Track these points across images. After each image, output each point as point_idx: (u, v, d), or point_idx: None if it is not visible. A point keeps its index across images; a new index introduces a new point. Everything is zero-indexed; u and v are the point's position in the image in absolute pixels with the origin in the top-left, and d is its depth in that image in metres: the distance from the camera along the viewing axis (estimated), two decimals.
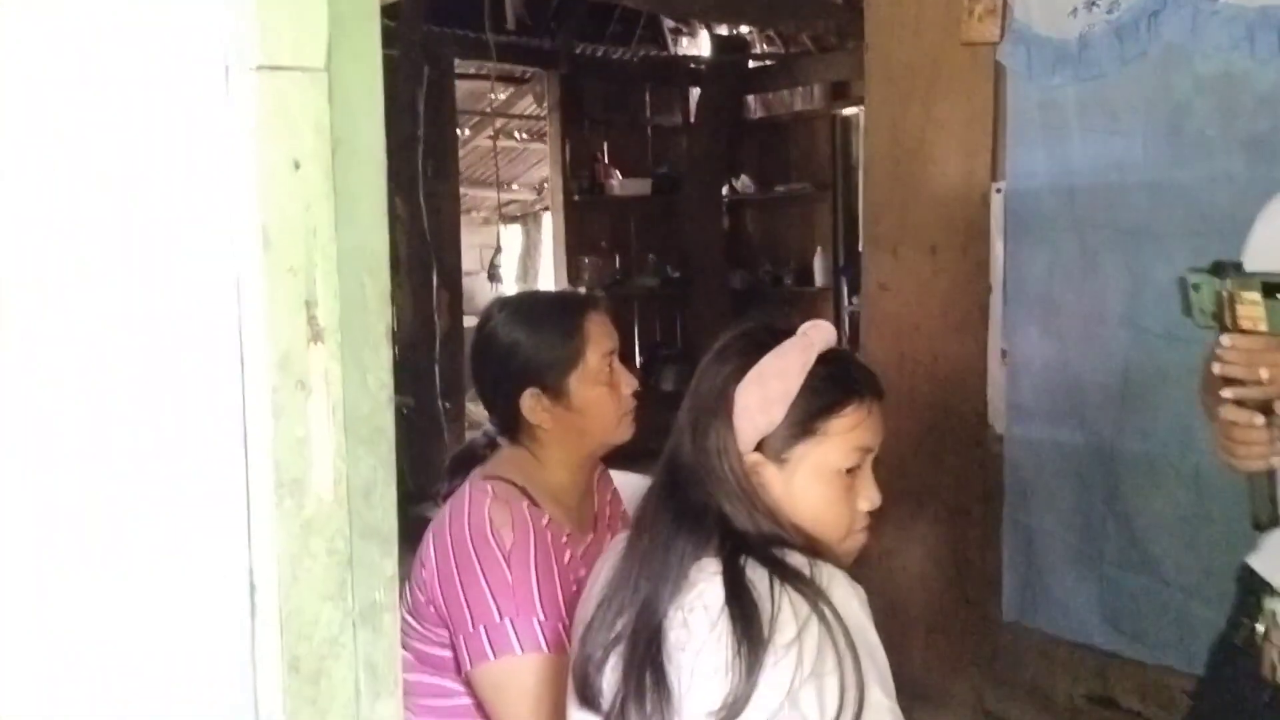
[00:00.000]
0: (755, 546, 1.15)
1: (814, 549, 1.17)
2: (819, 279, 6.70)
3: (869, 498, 1.24)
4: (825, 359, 1.22)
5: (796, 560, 1.14)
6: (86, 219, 0.73)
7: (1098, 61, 2.75)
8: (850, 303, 6.36)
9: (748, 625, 1.09)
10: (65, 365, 0.73)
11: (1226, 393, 1.44)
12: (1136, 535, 2.78)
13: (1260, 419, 1.42)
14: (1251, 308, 1.38)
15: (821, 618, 1.09)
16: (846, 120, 6.75)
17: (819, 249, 6.74)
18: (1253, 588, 1.64)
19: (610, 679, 1.16)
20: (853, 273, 6.12)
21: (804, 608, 1.09)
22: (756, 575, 1.12)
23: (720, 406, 1.20)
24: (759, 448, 1.21)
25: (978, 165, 3.07)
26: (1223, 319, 1.42)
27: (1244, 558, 1.68)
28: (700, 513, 1.18)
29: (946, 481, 3.19)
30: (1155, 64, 2.65)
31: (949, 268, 3.15)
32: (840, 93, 6.70)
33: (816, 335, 1.23)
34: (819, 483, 1.22)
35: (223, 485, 0.76)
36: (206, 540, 0.77)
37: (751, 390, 1.20)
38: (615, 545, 1.28)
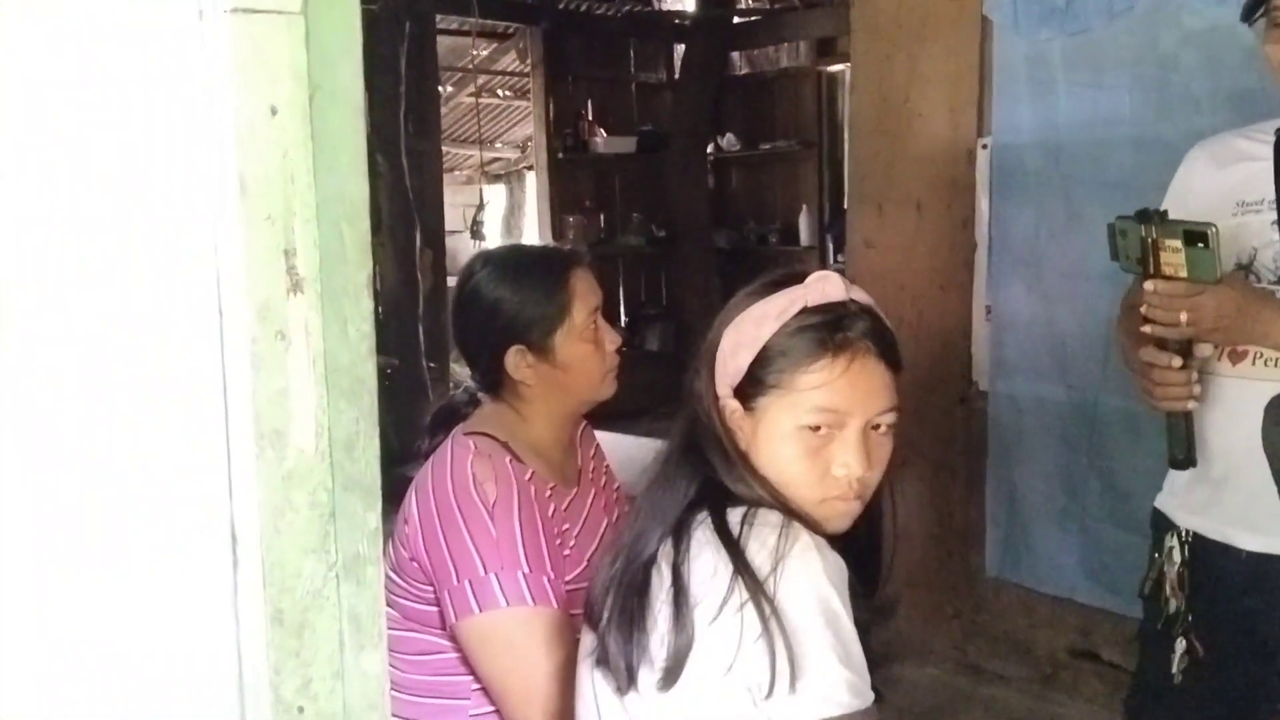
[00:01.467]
0: (728, 501, 1.15)
1: (789, 509, 1.15)
2: (804, 237, 6.69)
3: (844, 464, 1.17)
4: (816, 311, 1.18)
5: (770, 520, 1.13)
6: (60, 168, 0.71)
7: (1085, 15, 2.74)
8: (835, 261, 6.35)
9: (680, 583, 1.11)
10: (42, 317, 0.72)
11: (1146, 329, 1.51)
12: (1119, 490, 2.80)
13: (1178, 361, 1.51)
14: (1173, 254, 1.44)
15: (753, 593, 1.08)
16: (832, 77, 6.71)
17: (804, 207, 6.72)
18: (1159, 526, 1.73)
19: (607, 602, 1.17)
20: (838, 231, 6.12)
21: (767, 568, 1.09)
22: (713, 533, 1.13)
23: (708, 348, 1.20)
24: (738, 394, 1.20)
25: (964, 121, 3.05)
26: (1147, 265, 1.48)
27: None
28: (697, 458, 1.18)
29: (930, 437, 3.20)
30: (1142, 18, 2.64)
31: (934, 224, 3.14)
32: (826, 49, 6.66)
33: (815, 287, 1.19)
34: (779, 438, 1.18)
35: (203, 437, 0.75)
36: (187, 493, 0.76)
37: (730, 334, 1.19)
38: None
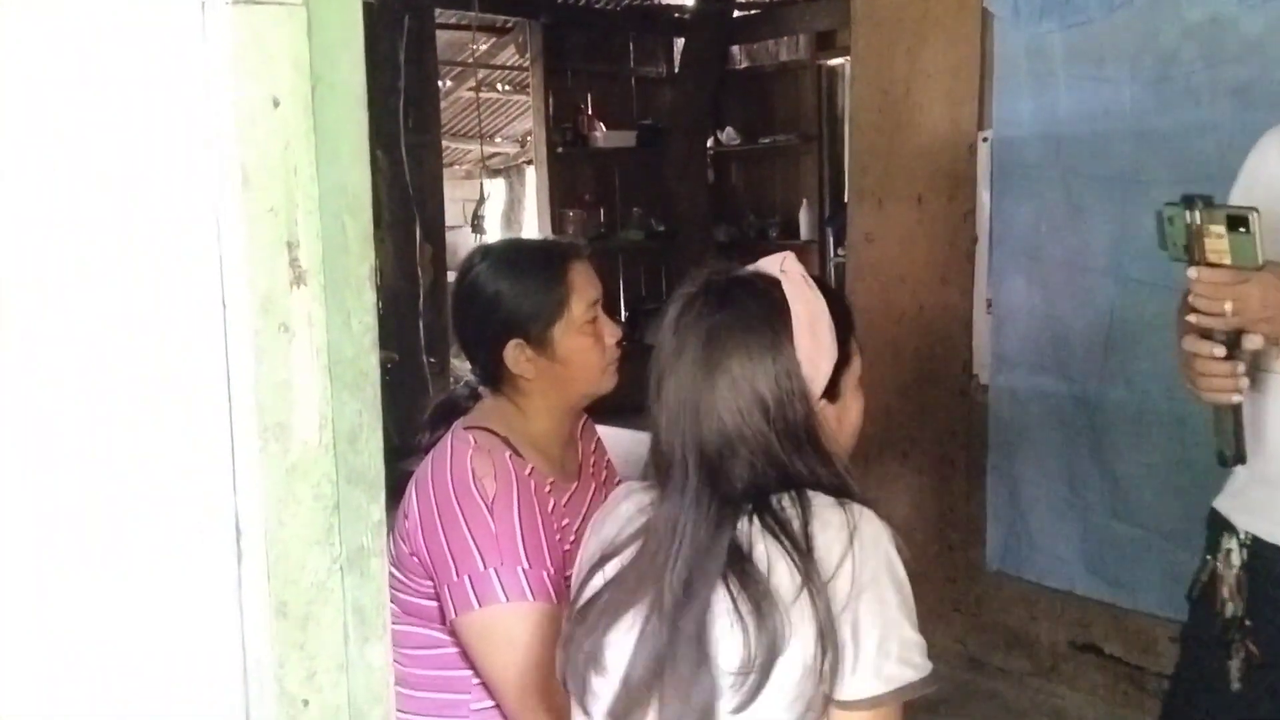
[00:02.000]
0: (778, 491, 1.15)
1: (847, 486, 1.17)
2: (804, 231, 6.68)
3: (859, 394, 1.31)
4: (826, 291, 1.26)
5: (821, 499, 1.14)
6: (61, 162, 0.71)
7: (1085, 8, 2.73)
8: (836, 254, 6.35)
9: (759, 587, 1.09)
10: (44, 310, 0.72)
11: (1191, 319, 1.47)
12: (1120, 483, 2.81)
13: (1220, 350, 1.45)
14: (1217, 241, 1.41)
15: (832, 573, 1.09)
16: (832, 70, 6.70)
17: (804, 201, 6.72)
18: (1215, 527, 1.69)
19: (624, 648, 1.14)
20: (838, 224, 6.11)
21: (839, 545, 1.10)
22: (785, 519, 1.13)
23: (791, 379, 1.17)
24: (825, 395, 1.23)
25: (964, 114, 3.05)
26: (1192, 252, 1.44)
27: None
28: (743, 483, 1.15)
29: (931, 430, 3.20)
30: (1142, 10, 2.64)
31: (935, 217, 3.14)
32: (825, 42, 6.65)
33: (793, 266, 1.24)
34: (852, 405, 1.27)
35: (206, 431, 0.75)
36: (191, 486, 0.76)
37: (805, 344, 1.19)
38: (613, 510, 1.24)
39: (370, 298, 0.82)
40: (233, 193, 0.72)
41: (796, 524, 1.11)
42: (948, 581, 3.20)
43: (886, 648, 1.08)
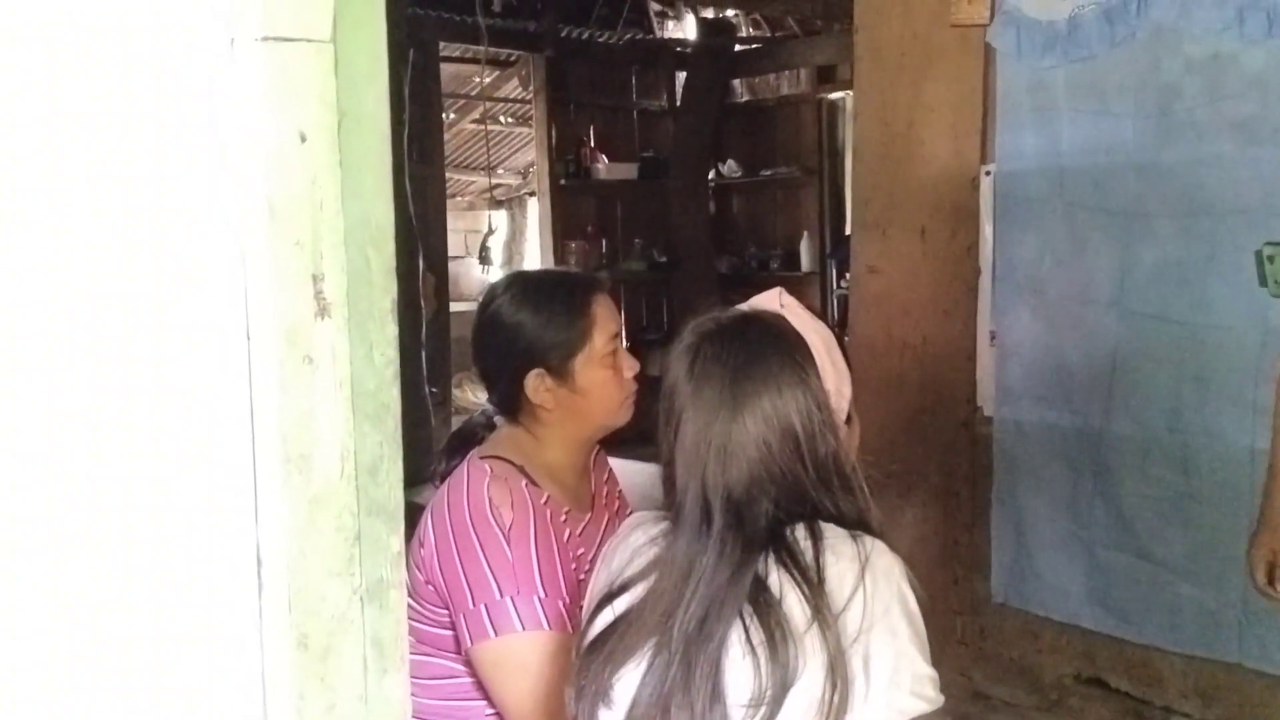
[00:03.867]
0: (794, 523, 1.15)
1: (866, 518, 1.18)
2: (805, 263, 6.71)
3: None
4: (819, 317, 1.31)
5: (835, 530, 1.14)
6: (93, 193, 0.72)
7: (1087, 43, 2.75)
8: (838, 286, 6.37)
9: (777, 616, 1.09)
10: (70, 340, 0.73)
11: None
12: (1124, 516, 2.80)
13: None
14: None
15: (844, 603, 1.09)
16: (833, 104, 6.75)
17: (805, 233, 6.74)
18: None
19: (631, 683, 1.14)
20: (840, 257, 6.13)
21: (850, 577, 1.10)
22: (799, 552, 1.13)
23: (821, 410, 1.17)
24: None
25: (967, 147, 3.07)
26: None
27: None
28: (766, 521, 1.15)
29: (935, 463, 3.20)
30: (1145, 45, 2.66)
31: (938, 250, 3.15)
32: (826, 76, 6.70)
33: (789, 300, 1.26)
34: (856, 420, 1.31)
35: (229, 461, 0.75)
36: (213, 515, 0.76)
37: (828, 372, 1.20)
38: (623, 540, 1.24)
39: (392, 330, 0.82)
40: (259, 226, 0.73)
41: (809, 556, 1.12)
42: (952, 614, 3.19)
43: (898, 680, 1.08)
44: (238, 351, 0.74)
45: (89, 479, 0.74)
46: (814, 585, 1.10)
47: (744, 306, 1.27)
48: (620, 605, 1.18)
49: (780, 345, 1.18)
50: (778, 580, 1.11)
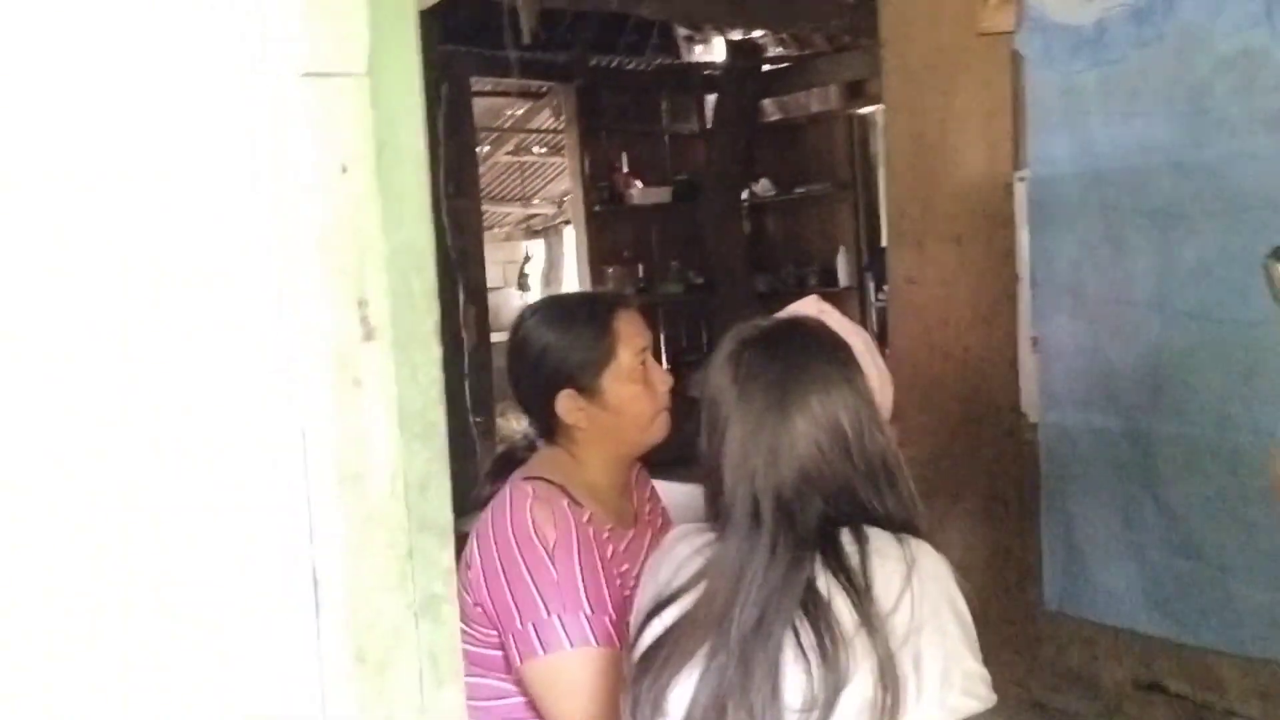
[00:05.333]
0: (845, 526, 1.16)
1: (914, 518, 1.19)
2: (843, 278, 6.71)
3: None
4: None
5: (880, 533, 1.15)
6: (148, 231, 0.75)
7: (1116, 45, 2.75)
8: (876, 299, 6.36)
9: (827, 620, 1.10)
10: (129, 372, 0.76)
11: None
12: (1176, 517, 2.77)
13: None
14: None
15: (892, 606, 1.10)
16: (864, 119, 6.76)
17: (841, 248, 6.75)
18: None
19: (686, 691, 1.15)
20: (877, 270, 6.12)
21: (898, 579, 1.11)
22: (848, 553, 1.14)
23: (869, 408, 1.19)
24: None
25: (999, 155, 3.07)
26: None
27: None
28: (816, 522, 1.16)
29: (982, 472, 3.18)
30: (1174, 45, 2.65)
31: (975, 258, 3.15)
32: (856, 91, 6.71)
33: (827, 305, 1.29)
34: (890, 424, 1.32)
35: (284, 483, 0.78)
36: (270, 538, 0.78)
37: (871, 373, 1.22)
38: (668, 553, 1.25)
39: (436, 351, 0.85)
40: (305, 254, 0.75)
41: (855, 560, 1.13)
42: (1006, 623, 3.16)
43: (950, 679, 1.09)
44: (288, 377, 0.77)
45: (147, 508, 0.77)
46: (861, 591, 1.11)
47: (783, 314, 1.29)
48: (668, 617, 1.20)
49: (825, 346, 1.20)
50: (825, 584, 1.13)
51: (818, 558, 1.13)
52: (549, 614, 1.39)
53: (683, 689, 1.15)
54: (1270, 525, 2.58)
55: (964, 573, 1.19)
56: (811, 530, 1.14)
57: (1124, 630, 2.94)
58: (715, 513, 1.21)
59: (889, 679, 1.07)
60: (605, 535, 1.51)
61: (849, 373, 1.18)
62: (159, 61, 0.74)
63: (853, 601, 1.10)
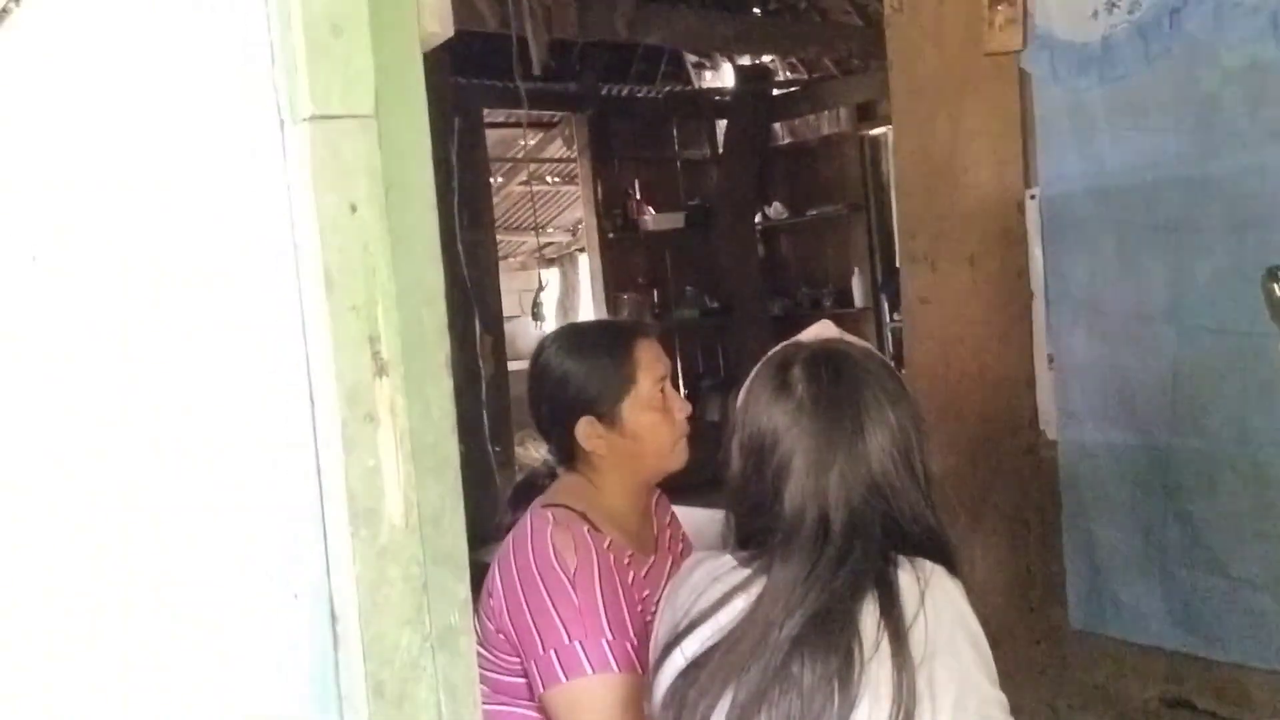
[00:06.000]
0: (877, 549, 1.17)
1: (942, 537, 1.19)
2: (858, 299, 6.71)
3: None
4: None
5: (899, 559, 1.16)
6: (163, 275, 0.76)
7: (1122, 62, 2.76)
8: (891, 320, 6.36)
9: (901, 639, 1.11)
10: (145, 411, 0.77)
11: None
12: (1199, 533, 2.75)
13: None
14: None
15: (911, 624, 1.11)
16: (875, 140, 6.79)
17: (856, 269, 6.76)
18: None
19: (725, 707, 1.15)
20: (892, 290, 6.13)
21: (912, 602, 1.11)
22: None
23: (921, 422, 1.21)
24: None
25: (1010, 173, 3.07)
26: None
27: None
28: (878, 530, 1.17)
29: (1001, 491, 3.17)
30: (1180, 60, 2.66)
31: (988, 277, 3.15)
32: (866, 113, 6.74)
33: (838, 330, 1.30)
34: None
35: (300, 518, 0.79)
36: (288, 574, 0.80)
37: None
38: (686, 579, 1.26)
39: (448, 385, 0.86)
40: (317, 293, 0.77)
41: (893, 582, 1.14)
42: (1032, 644, 3.14)
43: (964, 704, 1.09)
44: (302, 414, 0.78)
45: (166, 544, 0.78)
46: (897, 613, 1.11)
47: (805, 337, 1.30)
48: (689, 646, 1.20)
49: (879, 363, 1.22)
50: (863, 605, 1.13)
51: (873, 576, 1.14)
52: (570, 640, 1.40)
53: (723, 706, 1.16)
54: None
55: (987, 593, 1.19)
56: (877, 543, 1.15)
57: (1150, 648, 2.91)
58: (744, 539, 1.22)
59: (907, 702, 1.07)
60: (626, 561, 1.52)
61: (901, 388, 1.21)
62: (171, 109, 0.75)
63: (889, 626, 1.10)
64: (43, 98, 0.73)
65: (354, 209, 0.78)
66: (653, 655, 1.24)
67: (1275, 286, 1.41)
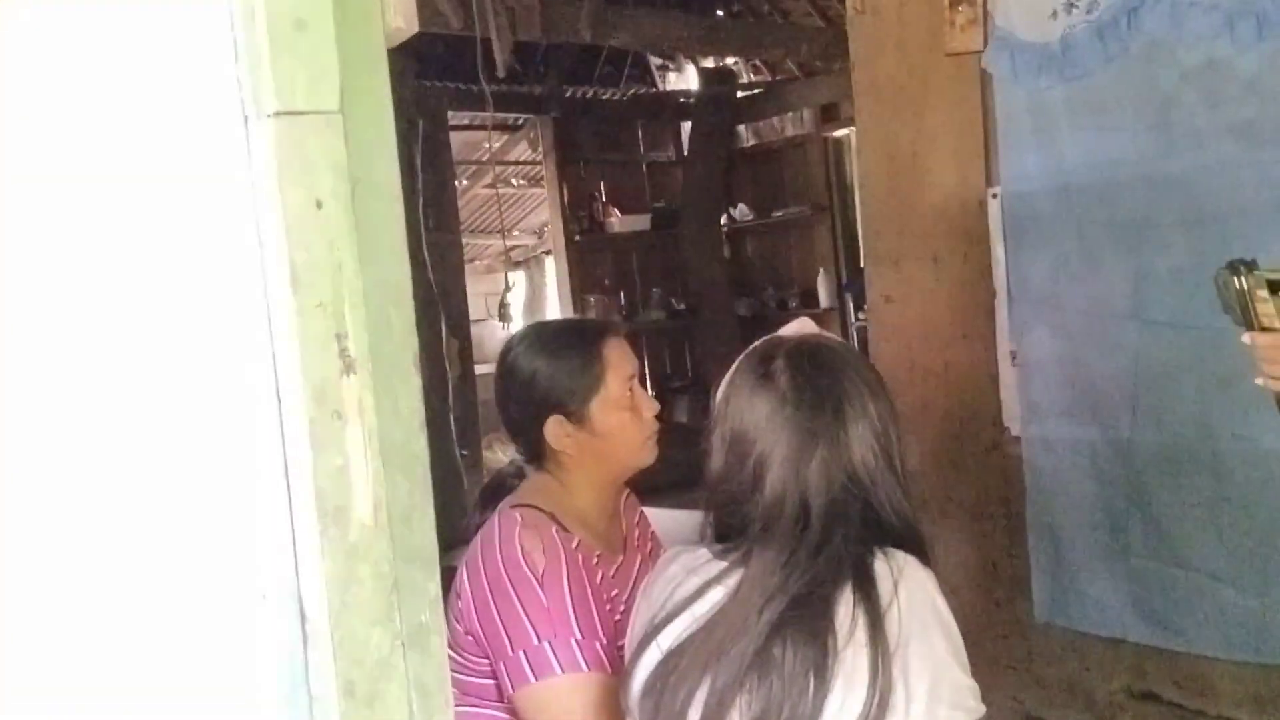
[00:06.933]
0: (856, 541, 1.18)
1: (914, 526, 1.20)
2: (823, 299, 6.74)
3: None
4: None
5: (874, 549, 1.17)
6: (127, 273, 0.76)
7: (1081, 61, 2.79)
8: (856, 319, 6.40)
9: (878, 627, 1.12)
10: (109, 410, 0.76)
11: (1259, 381, 1.49)
12: (1161, 525, 2.79)
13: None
14: (1265, 305, 1.43)
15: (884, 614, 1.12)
16: (838, 141, 6.82)
17: (821, 270, 6.79)
18: None
19: (701, 708, 1.15)
20: (857, 290, 6.16)
21: (885, 592, 1.12)
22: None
23: (897, 418, 1.23)
24: None
25: (972, 172, 3.10)
26: (1246, 316, 1.46)
27: None
28: (857, 520, 1.19)
29: (966, 486, 3.20)
30: (1138, 59, 2.69)
31: (952, 275, 3.18)
32: (830, 115, 6.77)
33: (816, 327, 1.32)
34: None
35: (268, 518, 0.78)
36: (256, 574, 0.79)
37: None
38: (662, 573, 1.26)
39: (416, 383, 0.86)
40: (283, 290, 0.76)
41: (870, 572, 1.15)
42: (998, 639, 3.17)
43: (938, 692, 1.10)
44: (269, 412, 0.78)
45: (130, 545, 0.77)
46: (874, 602, 1.12)
47: (786, 332, 1.31)
48: (665, 639, 1.20)
49: (855, 357, 1.24)
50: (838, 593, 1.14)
51: (851, 563, 1.15)
52: (539, 640, 1.40)
53: (703, 691, 1.16)
54: (1255, 530, 2.60)
55: (953, 588, 1.20)
56: (856, 531, 1.17)
57: (1115, 640, 2.95)
58: (721, 533, 1.23)
59: (882, 688, 1.08)
60: (595, 561, 1.52)
61: (882, 382, 1.22)
62: (133, 104, 0.75)
63: (867, 612, 1.11)
64: (3, 93, 0.72)
65: (319, 205, 0.77)
66: (629, 648, 1.24)
67: (1235, 280, 1.43)
